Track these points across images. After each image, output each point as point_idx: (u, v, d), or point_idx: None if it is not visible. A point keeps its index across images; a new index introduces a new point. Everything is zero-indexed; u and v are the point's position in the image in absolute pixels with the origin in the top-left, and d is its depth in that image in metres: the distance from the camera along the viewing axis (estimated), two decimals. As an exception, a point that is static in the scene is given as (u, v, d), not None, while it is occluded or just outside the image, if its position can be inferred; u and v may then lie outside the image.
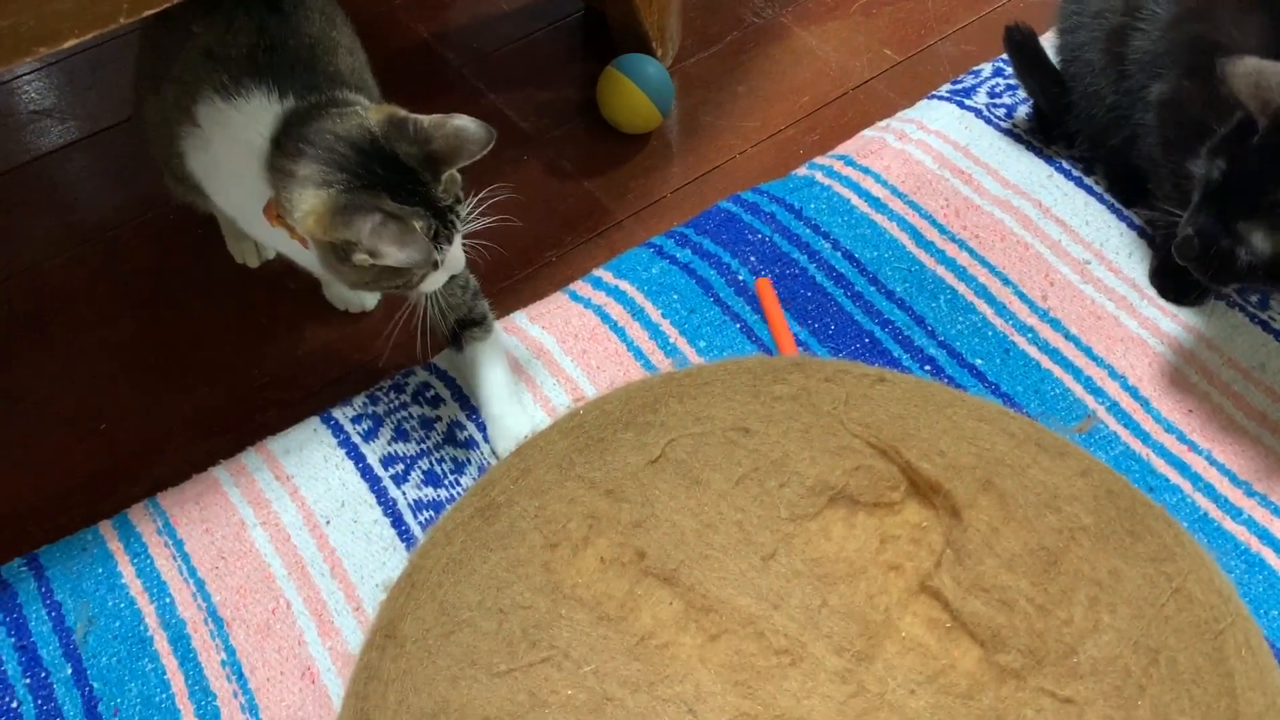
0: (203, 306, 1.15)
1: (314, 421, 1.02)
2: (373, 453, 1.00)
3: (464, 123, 0.84)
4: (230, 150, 0.89)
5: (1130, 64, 1.06)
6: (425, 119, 0.84)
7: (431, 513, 0.95)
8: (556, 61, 1.40)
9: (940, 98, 1.29)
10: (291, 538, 0.95)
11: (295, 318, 1.12)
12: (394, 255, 0.80)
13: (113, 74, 1.39)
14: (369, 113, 0.85)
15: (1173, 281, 1.09)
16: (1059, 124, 1.20)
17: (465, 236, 0.92)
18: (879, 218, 1.17)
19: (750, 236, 1.16)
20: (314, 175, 0.83)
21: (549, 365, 1.04)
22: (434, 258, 0.84)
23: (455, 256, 0.89)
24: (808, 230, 1.17)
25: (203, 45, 0.93)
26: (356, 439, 1.01)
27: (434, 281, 0.89)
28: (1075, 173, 1.20)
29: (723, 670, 0.73)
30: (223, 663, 0.88)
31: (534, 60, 1.40)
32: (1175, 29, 1.00)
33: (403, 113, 0.85)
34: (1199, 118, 0.97)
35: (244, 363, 1.10)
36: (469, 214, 0.89)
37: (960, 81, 1.31)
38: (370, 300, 1.12)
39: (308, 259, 0.91)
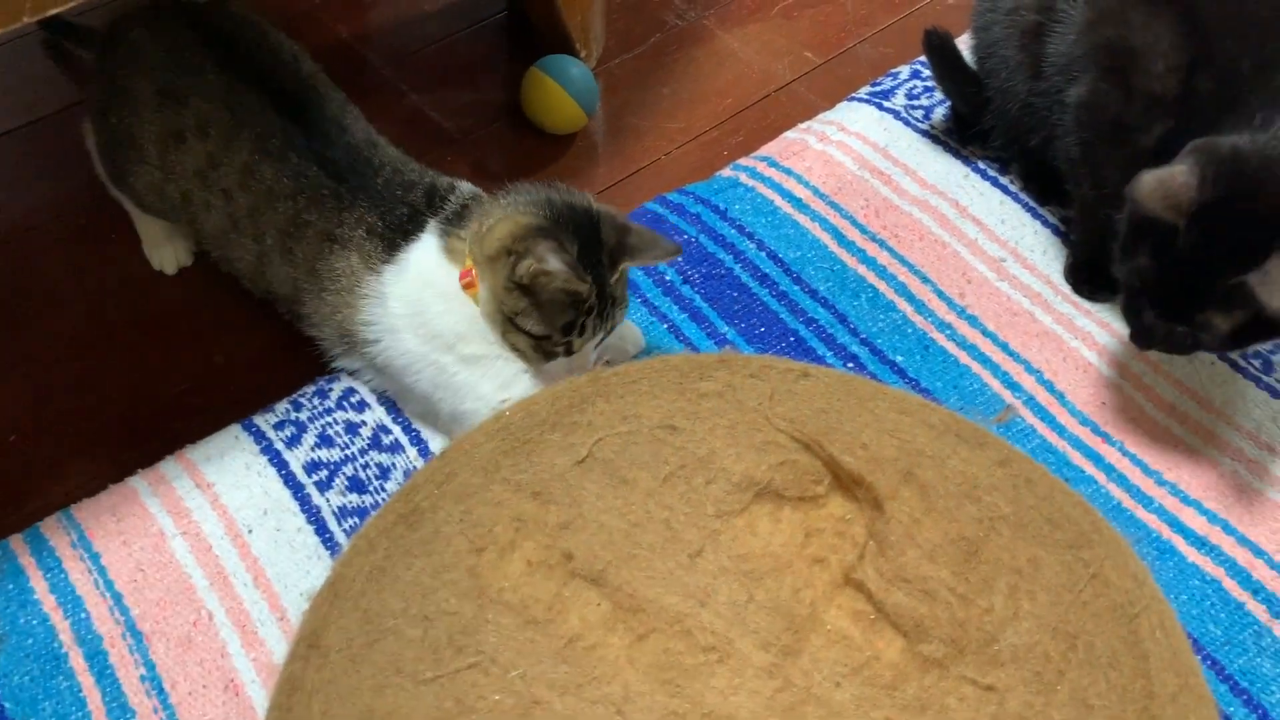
0: (118, 312, 1.12)
1: (235, 429, 1.00)
2: (296, 459, 0.98)
3: (656, 235, 0.96)
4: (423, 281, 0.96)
5: (1047, 65, 1.09)
6: (632, 223, 0.96)
7: (356, 519, 0.94)
8: (480, 62, 1.40)
9: (860, 100, 1.31)
10: (213, 548, 0.93)
11: (215, 323, 1.10)
12: (555, 266, 0.89)
13: (14, 75, 1.34)
14: (592, 199, 0.97)
15: (1086, 278, 1.12)
16: (975, 124, 1.22)
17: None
18: (802, 218, 1.19)
19: (676, 237, 1.17)
20: (526, 208, 0.93)
21: (475, 368, 1.04)
22: (576, 336, 0.94)
23: (587, 356, 0.97)
24: (733, 231, 1.18)
25: (322, 231, 0.98)
26: (279, 445, 0.99)
27: (556, 369, 0.96)
28: (991, 173, 1.23)
29: (651, 670, 0.73)
30: (142, 678, 0.85)
31: (457, 61, 1.39)
32: (1090, 32, 1.03)
33: (616, 211, 0.97)
34: (1116, 120, 1.00)
35: (162, 369, 1.07)
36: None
37: (879, 84, 1.33)
38: None
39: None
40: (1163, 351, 0.97)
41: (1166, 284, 0.91)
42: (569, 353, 0.95)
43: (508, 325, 0.94)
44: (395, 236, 0.97)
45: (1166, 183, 0.86)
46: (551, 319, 0.92)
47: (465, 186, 1.02)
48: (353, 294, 0.96)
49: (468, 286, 0.95)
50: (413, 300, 0.95)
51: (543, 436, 0.83)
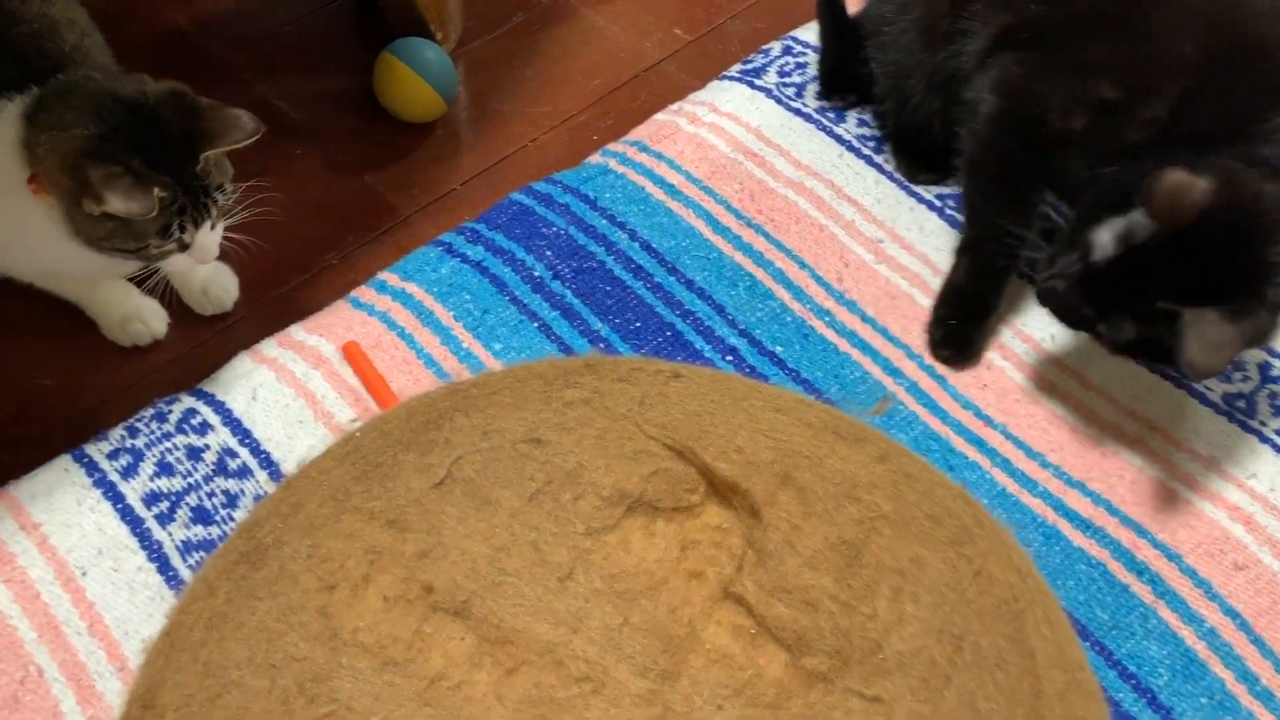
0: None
1: (64, 460, 0.91)
2: (133, 491, 0.90)
3: (238, 111, 0.88)
4: None
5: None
6: (204, 100, 0.88)
7: (203, 553, 0.86)
8: (331, 48, 1.31)
9: (731, 78, 1.27)
10: (41, 594, 0.84)
11: (39, 344, 1.00)
12: (115, 204, 0.82)
13: None
14: (149, 82, 0.88)
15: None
16: (846, 89, 1.20)
17: (231, 233, 0.94)
18: (675, 205, 1.14)
19: (545, 230, 1.11)
20: (73, 123, 0.84)
21: (330, 378, 0.96)
22: (178, 235, 0.87)
23: (206, 245, 0.90)
24: (604, 221, 1.12)
25: None
26: (114, 477, 0.91)
27: (180, 264, 0.91)
28: (865, 151, 1.20)
29: (521, 706, 0.68)
30: (-40, 748, 0.77)
31: (306, 47, 1.31)
32: None
33: (184, 88, 0.88)
34: None
35: (-21, 399, 0.98)
36: (230, 205, 0.92)
37: (750, 61, 1.29)
38: (158, 324, 1.02)
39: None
40: (1052, 311, 0.93)
41: (1107, 270, 0.87)
42: (184, 248, 0.89)
43: (101, 246, 0.87)
44: None
45: (1186, 189, 0.80)
46: (142, 232, 0.86)
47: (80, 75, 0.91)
48: None
49: (36, 192, 0.87)
50: None
51: (397, 458, 0.77)
